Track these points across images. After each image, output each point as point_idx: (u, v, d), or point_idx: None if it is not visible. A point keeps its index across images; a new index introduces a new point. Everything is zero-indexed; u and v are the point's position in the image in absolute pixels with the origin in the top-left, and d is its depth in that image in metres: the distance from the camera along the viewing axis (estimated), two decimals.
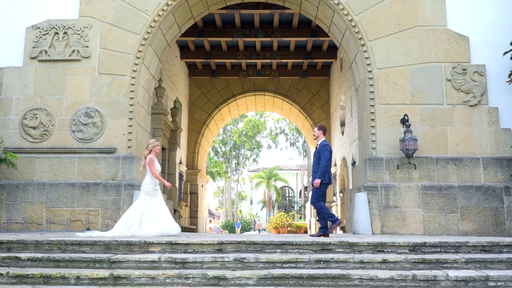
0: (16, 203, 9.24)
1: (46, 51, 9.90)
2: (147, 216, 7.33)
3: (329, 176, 8.04)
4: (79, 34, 9.95)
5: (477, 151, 9.56)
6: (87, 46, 9.94)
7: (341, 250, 5.75)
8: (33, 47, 9.92)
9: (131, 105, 9.86)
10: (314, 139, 8.55)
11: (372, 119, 9.85)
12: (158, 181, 7.85)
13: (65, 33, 9.93)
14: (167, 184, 8.02)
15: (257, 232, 39.64)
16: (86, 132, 9.60)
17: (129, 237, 6.64)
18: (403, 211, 9.11)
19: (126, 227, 7.20)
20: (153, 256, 5.29)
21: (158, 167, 7.95)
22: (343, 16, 10.15)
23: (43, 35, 9.94)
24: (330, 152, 8.13)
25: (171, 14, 10.42)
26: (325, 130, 8.58)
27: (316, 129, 8.41)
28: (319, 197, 8.03)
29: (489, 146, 9.59)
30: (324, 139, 8.34)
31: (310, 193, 7.95)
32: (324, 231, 7.83)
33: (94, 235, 6.90)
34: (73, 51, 9.91)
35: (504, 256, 5.62)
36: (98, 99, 9.80)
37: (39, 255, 5.34)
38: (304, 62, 20.52)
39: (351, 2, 10.11)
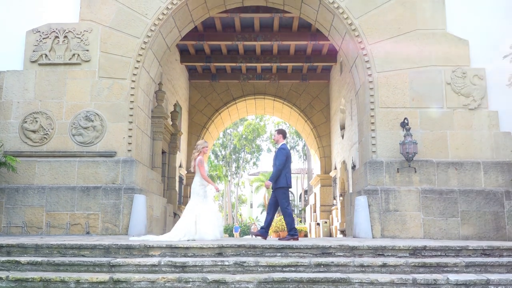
0: (16, 207, 9.22)
1: (46, 55, 9.92)
2: (201, 217, 7.18)
3: (287, 180, 7.96)
4: (79, 38, 9.97)
5: (477, 155, 9.56)
6: (87, 50, 9.96)
7: (341, 254, 5.74)
8: (33, 51, 9.95)
9: (131, 108, 9.87)
10: (275, 143, 8.56)
11: (372, 123, 9.85)
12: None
13: (65, 36, 9.95)
14: (215, 187, 8.00)
15: (253, 236, 39.47)
16: (86, 135, 9.61)
17: (186, 241, 6.52)
18: (403, 215, 9.09)
19: (185, 231, 6.99)
20: (153, 260, 5.28)
21: (206, 168, 7.79)
22: (343, 20, 10.19)
23: (43, 38, 9.97)
24: (287, 155, 8.05)
25: (171, 18, 10.45)
26: (285, 133, 8.60)
27: (275, 133, 8.53)
28: (285, 202, 7.96)
29: (489, 150, 9.59)
30: (283, 142, 8.36)
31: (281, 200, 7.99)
32: (292, 234, 7.84)
33: (152, 239, 6.81)
34: (73, 54, 9.93)
35: (505, 260, 5.60)
36: (98, 103, 9.81)
37: (39, 259, 5.34)
38: (304, 65, 20.54)
39: (351, 6, 10.14)
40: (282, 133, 8.30)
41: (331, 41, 12.31)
